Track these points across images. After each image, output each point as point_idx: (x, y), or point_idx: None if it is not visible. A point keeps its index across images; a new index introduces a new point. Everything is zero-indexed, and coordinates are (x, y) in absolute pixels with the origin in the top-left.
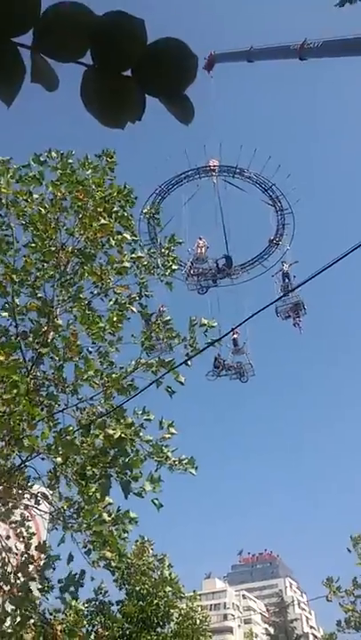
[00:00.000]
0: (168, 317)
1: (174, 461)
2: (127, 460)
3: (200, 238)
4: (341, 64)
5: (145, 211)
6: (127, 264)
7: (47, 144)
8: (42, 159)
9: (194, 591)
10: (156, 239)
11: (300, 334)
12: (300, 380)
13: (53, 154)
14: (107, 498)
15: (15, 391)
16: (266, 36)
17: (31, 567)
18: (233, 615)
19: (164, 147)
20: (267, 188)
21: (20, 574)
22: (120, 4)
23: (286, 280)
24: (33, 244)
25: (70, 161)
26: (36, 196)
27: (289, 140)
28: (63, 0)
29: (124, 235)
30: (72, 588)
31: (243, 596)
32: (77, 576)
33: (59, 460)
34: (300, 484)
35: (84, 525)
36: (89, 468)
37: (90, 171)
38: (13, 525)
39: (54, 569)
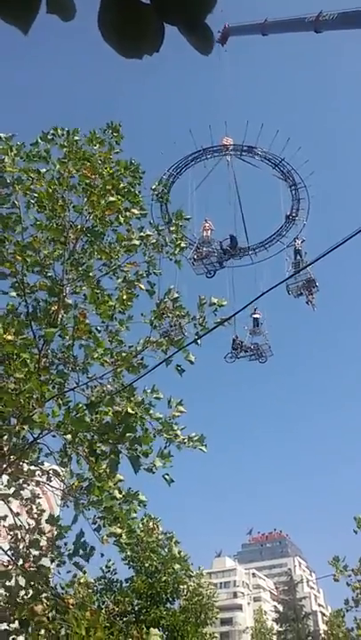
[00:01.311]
0: (177, 295)
1: (183, 439)
2: (136, 435)
3: (206, 220)
4: (359, 36)
5: (153, 187)
6: (136, 242)
7: (53, 119)
8: (49, 137)
9: (199, 568)
10: (166, 216)
11: (313, 311)
12: (315, 358)
13: (60, 131)
14: (117, 475)
15: (25, 369)
16: (279, 8)
17: (43, 541)
18: (243, 593)
19: (172, 124)
20: (277, 164)
21: (32, 549)
22: None
23: (298, 257)
24: (37, 222)
25: (77, 138)
26: (42, 170)
27: (304, 114)
28: None
29: (133, 210)
30: (81, 551)
31: (252, 574)
32: (84, 541)
33: (68, 437)
34: (310, 463)
35: (95, 502)
36: (99, 444)
37: (97, 146)
38: (24, 502)
39: (66, 543)
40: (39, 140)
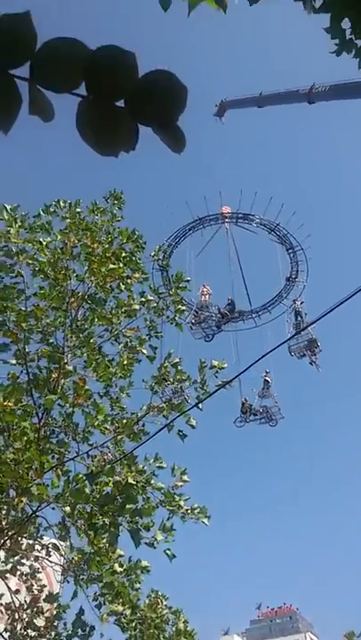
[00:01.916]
0: (177, 360)
1: (187, 510)
2: (137, 506)
3: (204, 286)
4: (352, 105)
5: (152, 254)
6: (136, 306)
7: (52, 185)
8: (51, 209)
9: None
10: (167, 281)
11: (318, 372)
12: (325, 420)
13: (62, 203)
14: (118, 550)
15: (25, 438)
16: (275, 80)
17: (41, 622)
18: None
19: (170, 192)
20: (272, 229)
21: (29, 630)
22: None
23: (298, 318)
24: (42, 291)
25: (79, 210)
26: (47, 241)
27: (300, 181)
28: (59, 36)
29: (134, 275)
30: (80, 631)
31: None
32: (84, 621)
33: (67, 509)
34: (318, 534)
35: (95, 577)
36: (99, 517)
37: (99, 215)
38: (24, 578)
39: (65, 623)
40: (41, 213)
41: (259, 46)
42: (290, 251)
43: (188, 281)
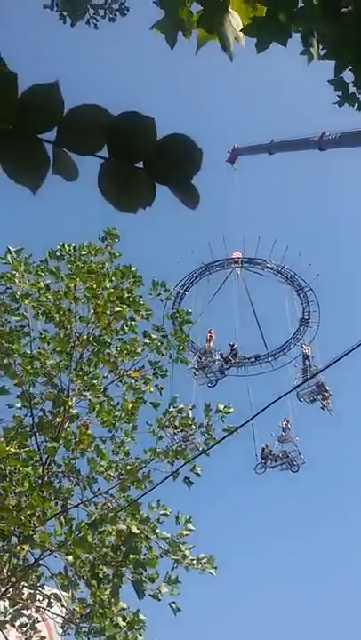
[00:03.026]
0: (182, 405)
1: (192, 560)
2: (141, 557)
3: (209, 331)
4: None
5: (150, 291)
6: (139, 349)
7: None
8: (57, 254)
9: None
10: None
11: (331, 416)
12: (346, 470)
13: (66, 247)
14: (120, 602)
15: (27, 484)
16: (286, 126)
17: None
18: None
19: (179, 239)
20: (279, 271)
21: None
22: (146, 103)
23: (306, 362)
24: (42, 336)
25: (83, 253)
26: (49, 283)
27: (310, 224)
28: (84, 103)
29: (139, 313)
30: None
31: None
32: None
33: (70, 558)
34: (325, 597)
35: (97, 630)
36: (101, 567)
37: (96, 256)
38: (23, 629)
39: None
40: (48, 257)
41: (272, 92)
42: (299, 292)
43: (189, 313)
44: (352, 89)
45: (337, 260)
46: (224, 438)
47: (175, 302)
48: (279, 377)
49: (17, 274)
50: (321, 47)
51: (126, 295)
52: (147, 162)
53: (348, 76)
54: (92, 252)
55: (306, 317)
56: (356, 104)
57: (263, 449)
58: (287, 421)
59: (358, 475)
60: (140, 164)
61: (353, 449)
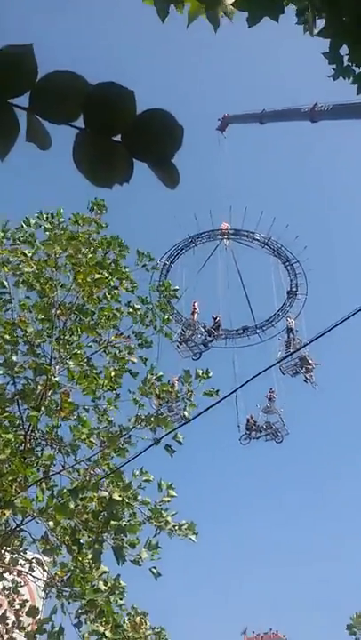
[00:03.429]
0: (160, 373)
1: (174, 526)
2: (122, 523)
3: (193, 304)
4: (354, 125)
5: (137, 260)
6: (119, 314)
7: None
8: (33, 221)
9: None
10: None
11: (315, 390)
12: (325, 440)
13: (44, 215)
14: (103, 566)
15: (8, 450)
16: (277, 97)
17: (22, 637)
18: None
19: (171, 208)
20: (265, 243)
21: None
22: (136, 71)
23: (290, 335)
24: (22, 303)
25: (62, 220)
26: (30, 253)
27: (300, 195)
28: (60, 69)
29: (123, 284)
30: None
31: None
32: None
33: (51, 524)
34: (308, 560)
35: (78, 594)
36: (83, 533)
37: (84, 226)
38: (5, 592)
39: (48, 638)
40: (24, 226)
41: (264, 63)
42: (286, 264)
43: (176, 289)
44: (347, 62)
45: (326, 233)
46: (211, 407)
47: (161, 274)
48: (265, 349)
49: None
50: (316, 16)
51: (109, 262)
52: (125, 135)
53: (342, 48)
54: (79, 222)
55: (294, 290)
56: (352, 77)
57: (248, 420)
58: (272, 392)
59: (336, 443)
60: (117, 138)
61: (334, 420)
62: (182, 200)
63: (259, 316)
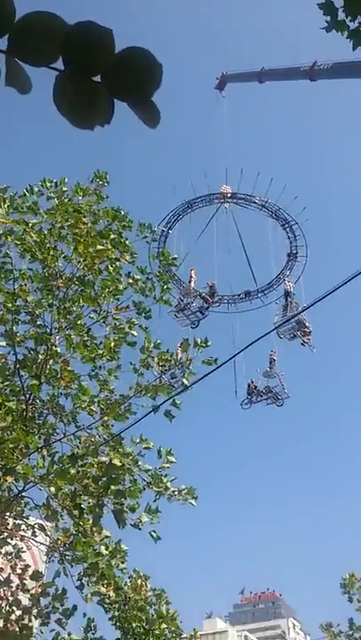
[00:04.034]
0: (159, 341)
1: (173, 491)
2: (122, 488)
3: (191, 271)
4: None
5: (137, 232)
6: (121, 286)
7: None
8: (36, 189)
9: (194, 630)
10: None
11: (312, 352)
12: (323, 404)
13: (48, 183)
14: (104, 530)
15: (10, 418)
16: (277, 55)
17: (26, 600)
18: None
19: (167, 169)
20: (263, 205)
21: (14, 607)
22: (135, 28)
23: (288, 299)
24: (23, 272)
25: (65, 189)
26: (33, 222)
27: (299, 156)
28: (37, 10)
29: (124, 256)
30: (59, 606)
31: (245, 637)
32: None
33: (52, 489)
34: (304, 521)
35: (80, 557)
36: (84, 498)
37: (83, 196)
38: (8, 557)
39: (50, 603)
40: (27, 193)
41: (263, 20)
42: (285, 226)
43: (175, 259)
44: (342, 15)
45: (326, 195)
46: (209, 374)
47: (159, 242)
48: (265, 313)
49: (0, 210)
50: None
51: (112, 237)
52: (104, 75)
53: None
54: (80, 193)
55: (294, 252)
56: (346, 32)
57: (249, 385)
58: (273, 352)
59: (333, 404)
60: (97, 78)
61: (332, 382)
62: (178, 162)
63: (259, 281)
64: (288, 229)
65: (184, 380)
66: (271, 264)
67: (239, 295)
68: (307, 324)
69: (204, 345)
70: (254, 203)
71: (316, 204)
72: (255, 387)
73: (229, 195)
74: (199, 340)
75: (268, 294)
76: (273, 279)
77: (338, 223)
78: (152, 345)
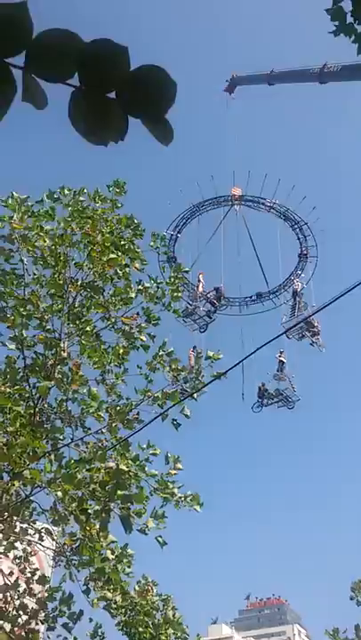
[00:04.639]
0: (171, 349)
1: (180, 497)
2: (128, 493)
3: (199, 275)
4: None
5: (151, 243)
6: (132, 294)
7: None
8: (55, 196)
9: (198, 635)
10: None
11: (321, 352)
12: (331, 414)
13: (66, 191)
14: (110, 535)
15: (18, 423)
16: (287, 59)
17: (33, 604)
18: None
19: (178, 174)
20: (271, 206)
21: (21, 612)
22: (144, 31)
23: (297, 298)
24: (36, 277)
25: (82, 198)
26: (47, 228)
27: (309, 157)
28: (54, 27)
29: (135, 264)
30: (66, 610)
31: None
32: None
33: (59, 494)
34: (310, 527)
35: (86, 562)
36: (90, 503)
37: (99, 203)
38: (17, 561)
39: (56, 607)
40: (45, 199)
41: (272, 25)
42: (295, 227)
43: (187, 271)
44: (350, 19)
45: (336, 197)
46: (212, 382)
47: (169, 246)
48: (276, 316)
49: (15, 216)
50: None
51: (122, 243)
52: (119, 92)
53: (347, 4)
54: (97, 200)
55: (304, 253)
56: (353, 35)
57: (260, 388)
58: (281, 353)
59: (347, 408)
60: (112, 95)
61: (344, 384)
62: (188, 165)
63: (270, 284)
64: (298, 230)
65: (194, 395)
66: (281, 266)
67: (251, 297)
68: (315, 324)
69: (216, 357)
70: (263, 205)
71: (329, 206)
72: (266, 389)
73: (238, 197)
74: (212, 353)
75: (279, 296)
76: (285, 280)
77: (350, 222)
78: (165, 353)
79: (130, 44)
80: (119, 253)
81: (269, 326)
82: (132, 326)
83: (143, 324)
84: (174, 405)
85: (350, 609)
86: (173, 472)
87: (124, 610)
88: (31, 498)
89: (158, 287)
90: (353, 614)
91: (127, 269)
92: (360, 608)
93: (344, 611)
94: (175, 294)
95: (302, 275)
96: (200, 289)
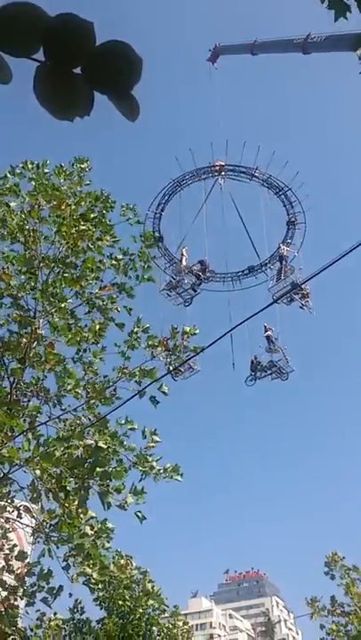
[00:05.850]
0: (147, 325)
1: (159, 470)
2: (108, 469)
3: (183, 248)
4: (346, 57)
5: (121, 213)
6: (101, 266)
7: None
8: (17, 171)
9: (175, 606)
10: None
11: (312, 314)
12: (304, 390)
13: (29, 165)
14: (90, 512)
15: None
16: (270, 29)
17: (11, 580)
18: (219, 635)
19: (162, 144)
20: (252, 174)
21: (0, 588)
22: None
23: (283, 262)
24: (5, 255)
25: (46, 170)
26: (13, 204)
27: (293, 131)
28: (17, 1)
29: (105, 238)
30: (45, 584)
31: (229, 615)
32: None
33: (37, 472)
34: (288, 502)
35: (65, 538)
36: (69, 480)
37: (64, 179)
38: None
39: (35, 583)
40: (8, 175)
41: None
42: (280, 193)
43: (156, 237)
44: None
45: (327, 166)
46: (190, 358)
47: (153, 224)
48: (263, 288)
49: None
50: None
51: (93, 216)
52: (85, 68)
53: None
54: (61, 176)
55: (292, 220)
56: (327, 1)
57: (252, 361)
58: (266, 328)
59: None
60: (77, 70)
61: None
62: (170, 137)
63: (250, 257)
64: (283, 197)
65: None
66: (269, 238)
67: (243, 271)
68: (302, 287)
69: (192, 333)
70: (244, 173)
71: (319, 176)
72: (258, 362)
73: (218, 167)
74: (188, 329)
75: (272, 267)
76: (276, 251)
77: (337, 190)
78: (140, 329)
79: (116, 17)
80: (89, 226)
81: (260, 299)
82: (104, 299)
83: (115, 296)
84: (152, 383)
85: (326, 581)
86: (152, 445)
87: (103, 585)
88: (9, 476)
89: (130, 259)
90: (329, 586)
91: (100, 243)
92: (335, 581)
93: (320, 582)
94: (146, 265)
95: (292, 243)
96: (184, 262)
